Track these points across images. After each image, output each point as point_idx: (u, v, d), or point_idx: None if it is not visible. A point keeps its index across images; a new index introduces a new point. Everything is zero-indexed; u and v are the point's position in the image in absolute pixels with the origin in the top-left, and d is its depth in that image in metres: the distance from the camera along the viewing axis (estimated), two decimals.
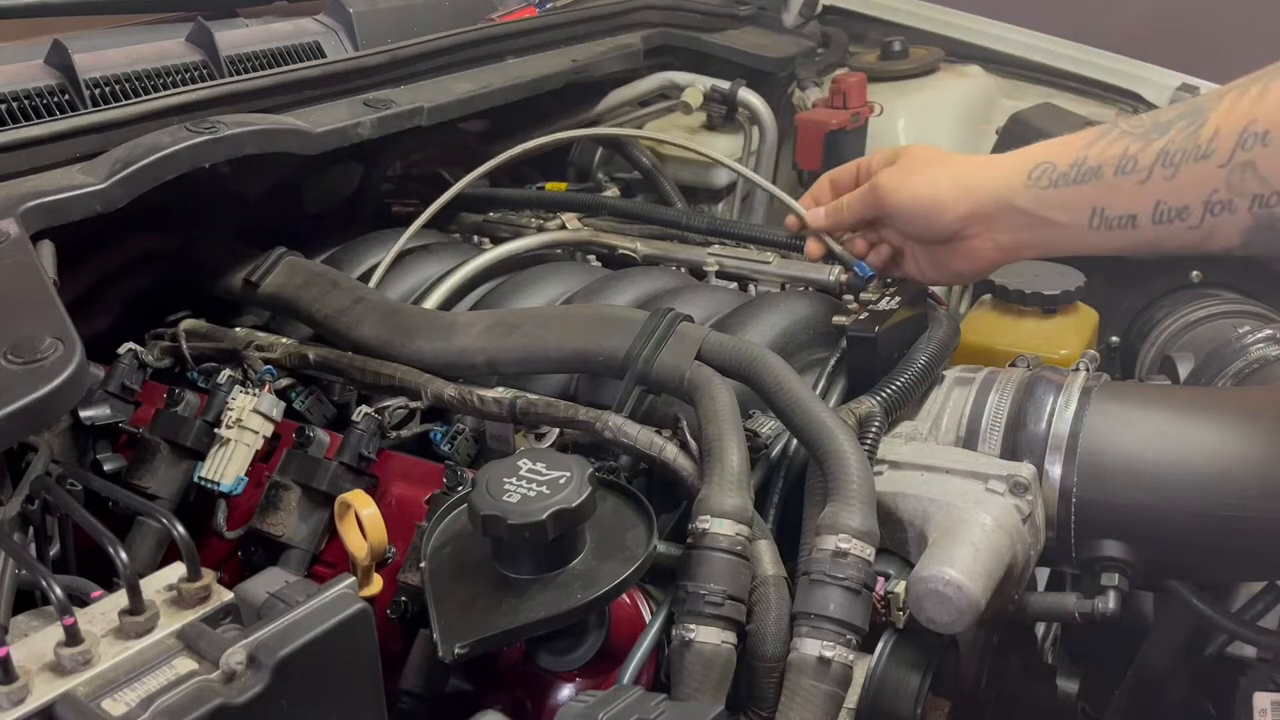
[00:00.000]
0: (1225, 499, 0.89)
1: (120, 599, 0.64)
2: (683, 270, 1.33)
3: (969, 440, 0.97)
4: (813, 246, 1.18)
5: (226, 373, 1.06)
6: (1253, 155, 0.80)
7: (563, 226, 1.42)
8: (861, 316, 1.02)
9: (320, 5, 1.64)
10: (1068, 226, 0.93)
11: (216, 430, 1.02)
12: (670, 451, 0.91)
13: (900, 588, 0.85)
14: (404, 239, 1.30)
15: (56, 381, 0.73)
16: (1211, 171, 0.82)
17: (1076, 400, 0.96)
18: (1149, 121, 0.90)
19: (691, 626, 0.80)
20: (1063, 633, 1.34)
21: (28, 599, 0.74)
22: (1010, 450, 0.96)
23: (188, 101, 1.16)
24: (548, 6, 1.83)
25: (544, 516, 0.75)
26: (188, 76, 1.38)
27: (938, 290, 1.17)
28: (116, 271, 1.28)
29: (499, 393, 0.99)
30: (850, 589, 0.80)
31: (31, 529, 0.84)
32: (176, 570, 0.67)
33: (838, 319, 1.05)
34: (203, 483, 1.00)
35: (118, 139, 1.09)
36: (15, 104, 1.20)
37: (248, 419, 1.01)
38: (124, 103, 1.17)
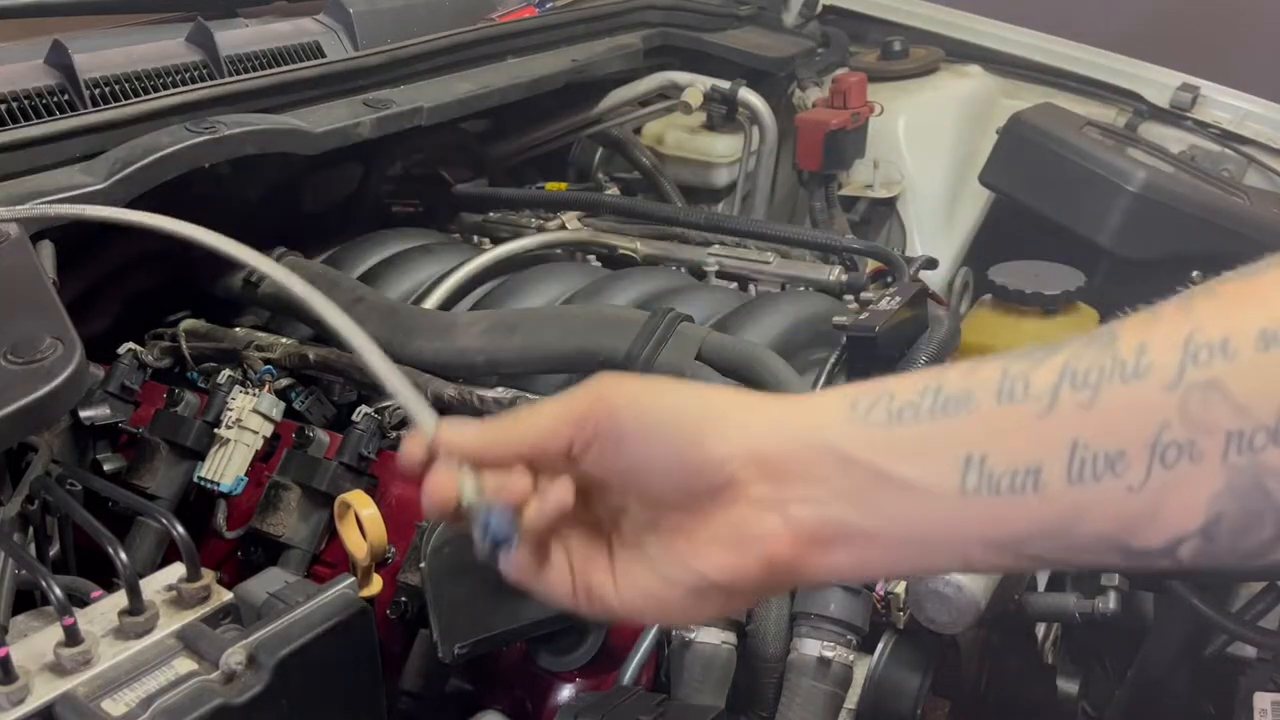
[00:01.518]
0: None
1: (120, 599, 0.64)
2: (683, 270, 1.33)
3: None
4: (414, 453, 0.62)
5: (226, 373, 1.06)
6: (1215, 372, 0.48)
7: (563, 226, 1.41)
8: (861, 316, 1.02)
9: (320, 5, 1.64)
10: (923, 491, 0.52)
11: (216, 430, 1.02)
12: None
13: (900, 588, 0.85)
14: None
15: (56, 381, 0.73)
16: (1155, 396, 0.48)
17: None
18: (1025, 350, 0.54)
19: (691, 627, 0.80)
20: (1063, 633, 1.34)
21: (28, 599, 0.74)
22: None
23: (188, 101, 1.16)
24: (548, 6, 1.83)
25: None
26: (188, 76, 1.38)
27: (937, 290, 1.17)
28: (116, 271, 1.28)
29: (499, 393, 0.99)
30: (850, 589, 0.80)
31: (31, 529, 0.84)
32: (176, 570, 0.67)
33: (838, 319, 1.04)
34: (203, 483, 1.00)
35: (118, 139, 1.09)
36: (15, 104, 1.20)
37: (247, 419, 1.01)
38: (124, 103, 1.17)
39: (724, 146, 1.76)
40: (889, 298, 1.05)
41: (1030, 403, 0.50)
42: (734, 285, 1.31)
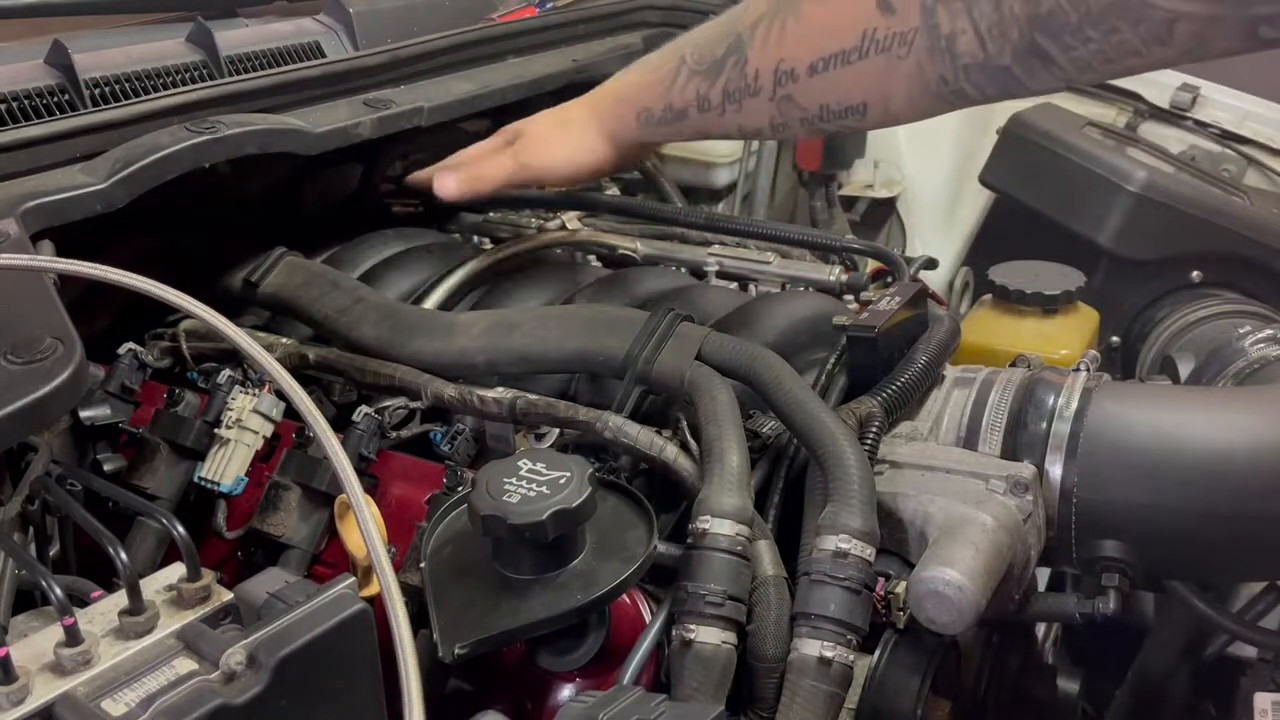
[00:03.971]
0: (1225, 499, 0.89)
1: (120, 599, 0.64)
2: (683, 270, 1.33)
3: (969, 440, 0.97)
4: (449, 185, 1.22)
5: (226, 373, 1.06)
6: (789, 90, 0.97)
7: (563, 226, 1.42)
8: (861, 316, 1.02)
9: (320, 5, 1.64)
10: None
11: (216, 430, 1.01)
12: (670, 452, 0.91)
13: (901, 588, 0.85)
14: None
15: (56, 381, 0.73)
16: (765, 104, 0.99)
17: (1077, 400, 0.95)
18: (706, 57, 1.03)
19: (691, 627, 0.80)
20: (1063, 633, 1.34)
21: (28, 599, 0.74)
22: (1010, 450, 0.96)
23: (188, 101, 1.16)
24: (548, 6, 1.83)
25: (544, 517, 0.75)
26: (188, 76, 1.38)
27: (937, 290, 1.17)
28: None
29: (499, 393, 0.99)
30: (850, 589, 0.80)
31: (31, 529, 0.84)
32: (176, 570, 0.67)
33: (838, 319, 1.04)
34: (203, 483, 1.00)
35: (118, 139, 1.09)
36: (15, 104, 1.20)
37: (248, 419, 1.01)
38: (124, 103, 1.17)
39: (724, 146, 1.76)
40: (889, 298, 1.05)
41: (714, 111, 1.04)
42: (734, 285, 1.31)
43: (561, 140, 1.18)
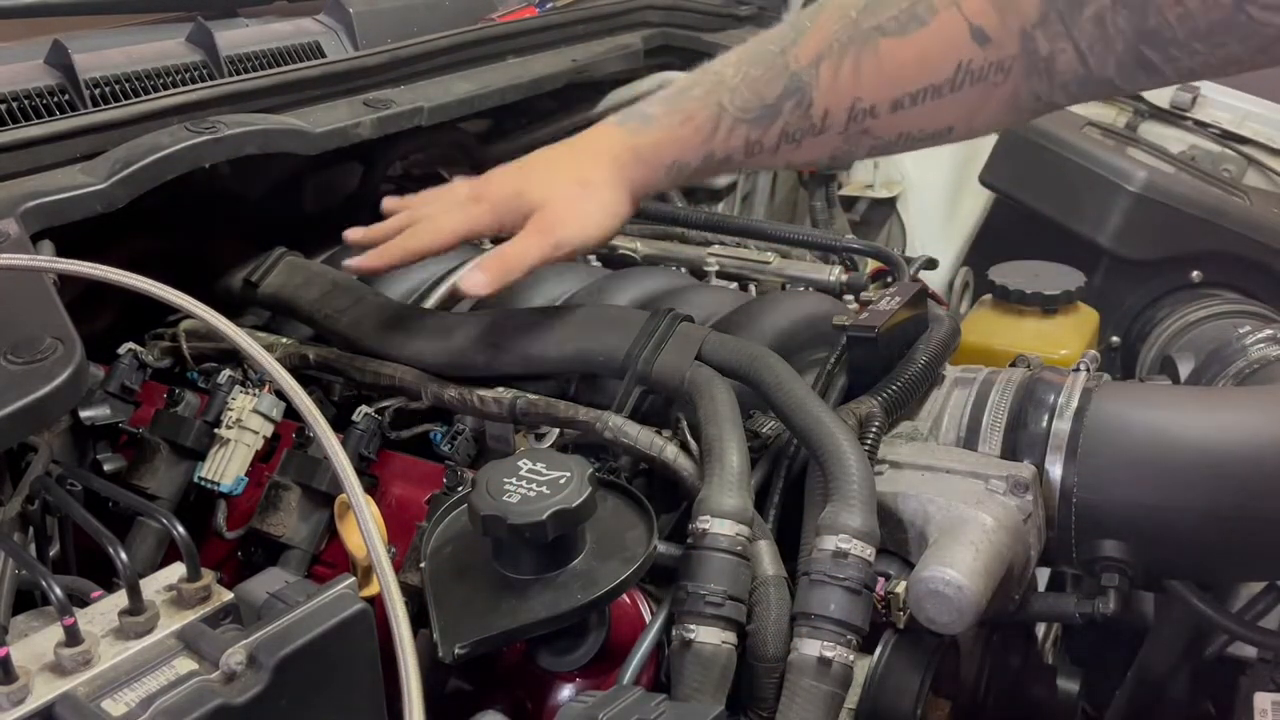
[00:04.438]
0: (1226, 499, 0.89)
1: (120, 599, 0.64)
2: (683, 270, 1.33)
3: (969, 440, 0.97)
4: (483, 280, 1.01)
5: (226, 373, 1.06)
6: (865, 126, 0.93)
7: None
8: (861, 316, 1.02)
9: (320, 5, 1.64)
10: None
11: (216, 430, 1.02)
12: (670, 452, 0.91)
13: (900, 588, 0.85)
14: None
15: (56, 381, 0.73)
16: (833, 139, 0.95)
17: (1077, 400, 0.95)
18: (755, 103, 0.96)
19: (691, 627, 0.80)
20: (1063, 633, 1.34)
21: (28, 599, 0.74)
22: (1010, 450, 0.96)
23: (188, 101, 1.16)
24: (548, 6, 1.83)
25: (544, 517, 0.75)
26: (188, 76, 1.38)
27: (937, 290, 1.17)
28: None
29: (499, 393, 0.99)
30: (851, 589, 0.80)
31: (31, 529, 0.84)
32: (176, 570, 0.67)
33: (838, 319, 1.04)
34: (203, 483, 1.00)
35: (118, 139, 1.09)
36: (15, 104, 1.20)
37: (248, 419, 1.01)
38: (124, 103, 1.17)
39: None
40: (889, 298, 1.05)
41: (765, 155, 0.98)
42: (734, 285, 1.31)
43: (588, 208, 1.03)
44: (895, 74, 0.90)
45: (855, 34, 0.91)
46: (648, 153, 1.02)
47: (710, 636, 0.80)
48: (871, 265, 1.26)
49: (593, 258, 1.41)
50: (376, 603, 0.65)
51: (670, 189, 1.14)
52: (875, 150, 0.98)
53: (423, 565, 0.83)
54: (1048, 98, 0.87)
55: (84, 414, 1.02)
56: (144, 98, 1.18)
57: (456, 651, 0.76)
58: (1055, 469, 0.93)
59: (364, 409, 1.01)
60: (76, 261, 0.76)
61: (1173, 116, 1.79)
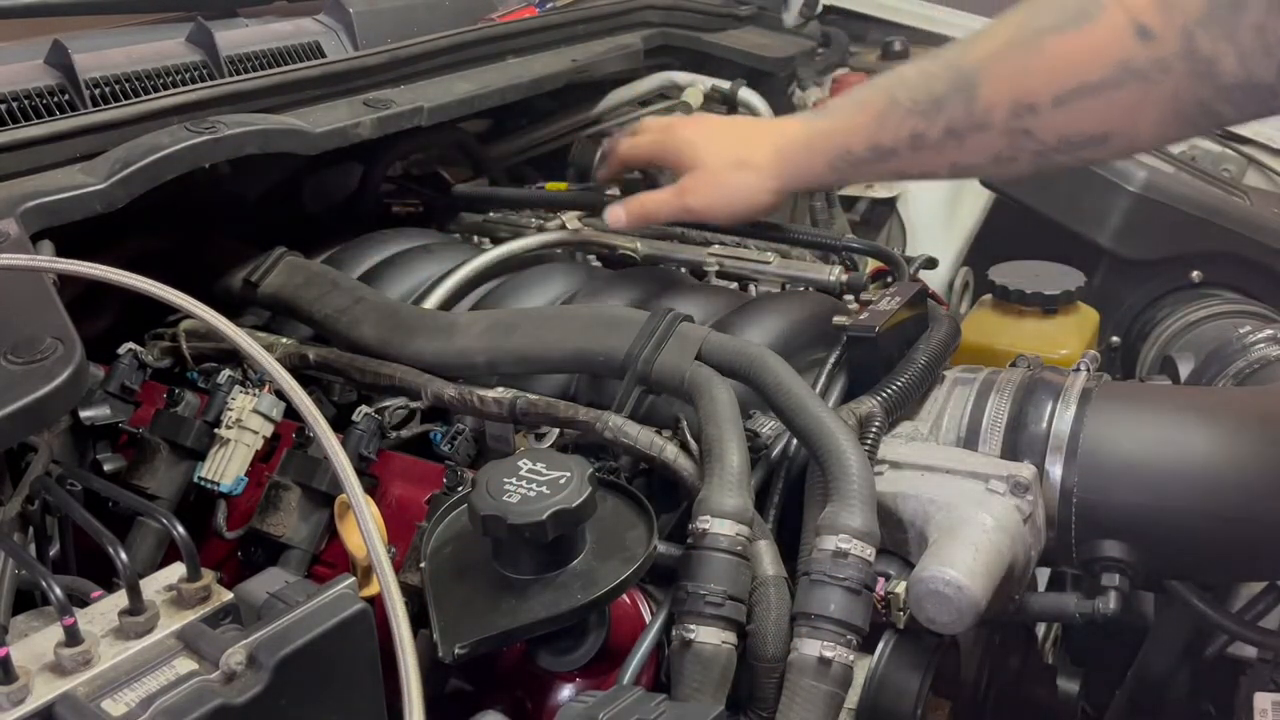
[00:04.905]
0: (1226, 499, 0.89)
1: (120, 599, 0.64)
2: (683, 270, 1.33)
3: (969, 440, 0.97)
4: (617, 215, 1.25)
5: (226, 373, 1.06)
6: (1026, 124, 0.93)
7: (563, 226, 1.41)
8: (861, 316, 1.02)
9: (320, 5, 1.64)
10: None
11: (216, 430, 1.01)
12: (670, 452, 0.91)
13: (901, 588, 0.85)
14: None
15: (56, 381, 0.73)
16: (995, 138, 0.95)
17: (1077, 401, 0.95)
18: (924, 95, 0.99)
19: (692, 627, 0.80)
20: (1063, 633, 1.34)
21: (28, 599, 0.74)
22: (1011, 450, 0.96)
23: (188, 101, 1.16)
24: (548, 6, 1.83)
25: (544, 516, 0.75)
26: (188, 76, 1.38)
27: (937, 290, 1.17)
28: None
29: (499, 393, 0.99)
30: (851, 589, 0.80)
31: (31, 529, 0.84)
32: (176, 570, 0.67)
33: (838, 319, 1.04)
34: (203, 483, 1.00)
35: (118, 139, 1.09)
36: (15, 104, 1.20)
37: (248, 419, 1.01)
38: (124, 103, 1.17)
39: None
40: (889, 298, 1.05)
41: (929, 150, 1.00)
42: (734, 285, 1.31)
43: (734, 186, 1.14)
44: (1058, 69, 0.91)
45: (1022, 33, 0.93)
46: (819, 140, 1.08)
47: (710, 636, 0.80)
48: (871, 265, 1.26)
49: (592, 257, 1.41)
50: (376, 603, 0.65)
51: (831, 184, 1.19)
52: (1038, 158, 0.96)
53: (423, 565, 0.83)
54: (1211, 105, 0.86)
55: (84, 414, 1.02)
56: (144, 98, 1.18)
57: (456, 651, 0.76)
58: (1055, 469, 0.93)
59: (364, 409, 1.01)
60: (76, 261, 0.76)
61: None
